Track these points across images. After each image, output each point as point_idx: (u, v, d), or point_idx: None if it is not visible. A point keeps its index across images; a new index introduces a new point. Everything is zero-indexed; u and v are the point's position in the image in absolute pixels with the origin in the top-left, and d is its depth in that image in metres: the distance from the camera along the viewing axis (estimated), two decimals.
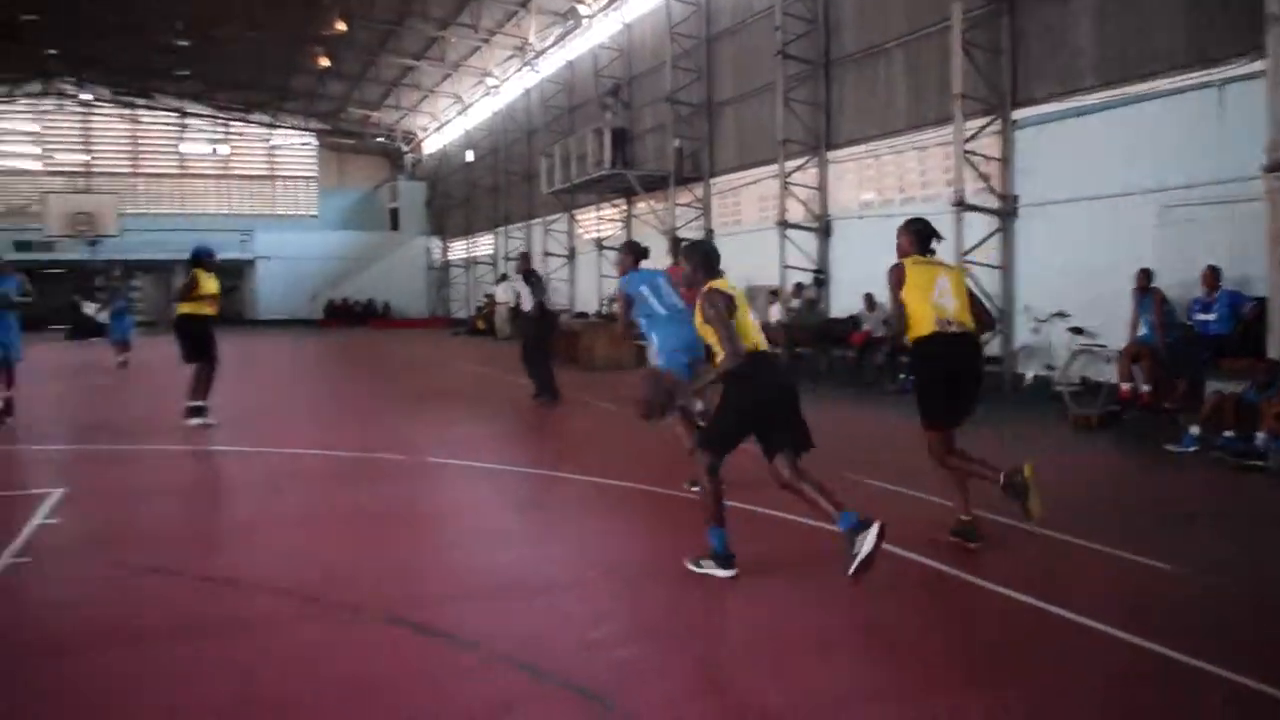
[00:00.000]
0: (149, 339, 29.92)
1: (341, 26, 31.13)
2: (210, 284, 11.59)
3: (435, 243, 47.89)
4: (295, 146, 51.42)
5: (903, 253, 6.20)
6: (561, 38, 30.36)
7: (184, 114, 48.91)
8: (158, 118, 49.20)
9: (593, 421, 12.23)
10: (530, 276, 14.24)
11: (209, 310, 11.59)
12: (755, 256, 19.89)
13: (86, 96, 47.51)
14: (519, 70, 33.55)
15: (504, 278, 30.98)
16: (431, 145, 46.99)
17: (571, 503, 6.76)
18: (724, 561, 5.32)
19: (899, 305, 5.98)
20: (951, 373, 5.98)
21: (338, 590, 5.26)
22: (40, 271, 42.97)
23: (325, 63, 36.17)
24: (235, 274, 44.07)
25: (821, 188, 18.78)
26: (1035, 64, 14.11)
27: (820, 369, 16.85)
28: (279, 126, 49.97)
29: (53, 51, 40.88)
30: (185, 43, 36.46)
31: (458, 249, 45.15)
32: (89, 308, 33.98)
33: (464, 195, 42.79)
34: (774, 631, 4.76)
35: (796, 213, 18.91)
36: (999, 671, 4.25)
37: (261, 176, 51.44)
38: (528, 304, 14.06)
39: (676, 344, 7.32)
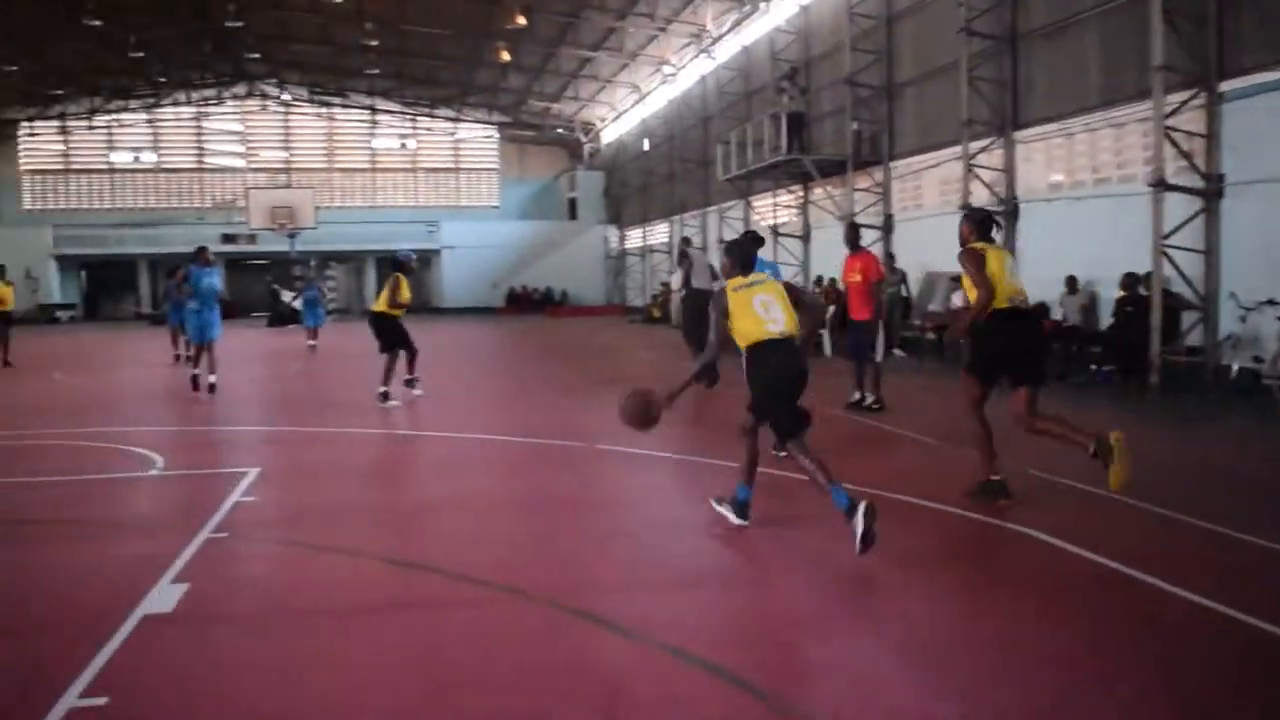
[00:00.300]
0: (340, 325, 31.41)
1: (522, 21, 31.76)
2: (407, 287, 12.98)
3: (612, 231, 48.47)
4: (478, 139, 52.86)
5: (965, 240, 6.81)
6: (738, 23, 30.14)
7: (374, 111, 50.95)
8: (350, 115, 51.42)
9: None
10: (681, 258, 14.45)
11: (400, 312, 12.94)
12: (936, 242, 19.28)
13: (286, 97, 50.11)
14: (695, 57, 33.49)
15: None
16: (609, 135, 47.52)
17: (757, 498, 6.62)
18: (740, 510, 6.15)
19: (987, 283, 6.47)
20: (1020, 348, 6.58)
21: (510, 575, 5.33)
22: (243, 262, 45.89)
23: (506, 57, 37.02)
24: (426, 262, 45.70)
25: (1008, 169, 18.03)
26: (1245, 31, 13.11)
27: None
28: (463, 120, 51.45)
29: (255, 56, 43.27)
30: (375, 42, 37.95)
31: (634, 237, 45.56)
32: (287, 296, 35.88)
33: (640, 184, 43.12)
34: (952, 637, 4.55)
35: (980, 196, 18.21)
36: (1211, 696, 3.94)
37: (446, 169, 53.11)
38: (677, 284, 14.29)
39: None
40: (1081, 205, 16.20)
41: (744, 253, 6.29)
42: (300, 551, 5.98)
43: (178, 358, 18.64)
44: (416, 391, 13.21)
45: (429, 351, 15.12)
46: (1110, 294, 14.59)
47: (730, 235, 31.38)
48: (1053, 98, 16.87)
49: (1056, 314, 15.70)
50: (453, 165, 53.14)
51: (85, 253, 46.09)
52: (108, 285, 48.13)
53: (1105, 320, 14.76)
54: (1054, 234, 16.78)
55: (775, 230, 28.11)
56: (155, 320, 34.14)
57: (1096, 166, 16.24)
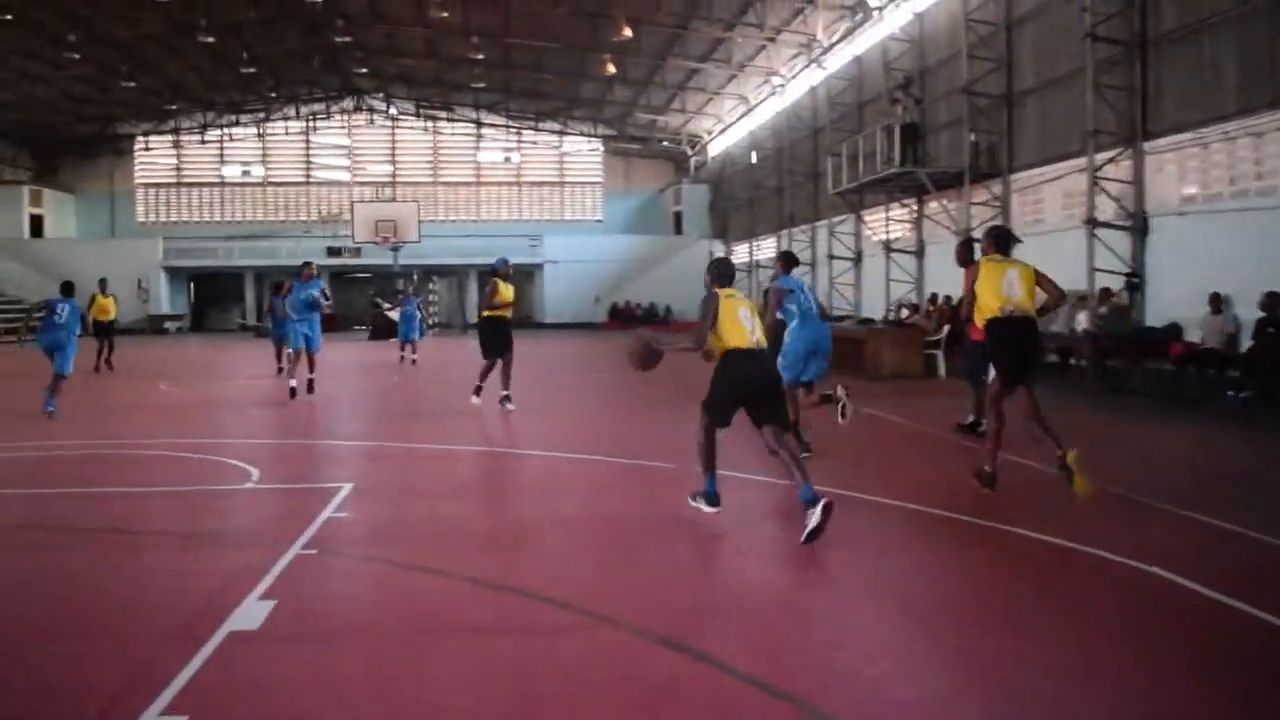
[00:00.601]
0: (438, 340, 31.84)
1: (628, 33, 31.94)
2: (507, 292, 13.69)
3: (718, 246, 48.36)
4: (583, 152, 53.42)
5: (984, 252, 8.10)
6: (850, 32, 29.83)
7: (480, 124, 51.86)
8: (456, 129, 52.43)
9: (874, 434, 11.83)
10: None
11: (505, 314, 13.62)
12: (1059, 258, 18.68)
13: (392, 111, 51.34)
14: (805, 67, 33.27)
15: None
16: (716, 147, 47.53)
17: (845, 522, 6.50)
18: (711, 500, 6.96)
19: (970, 294, 7.92)
20: (1014, 347, 7.75)
21: (597, 600, 5.29)
22: (347, 276, 47.08)
23: (612, 69, 37.29)
24: (528, 276, 46.24)
25: (1136, 182, 17.44)
26: None
27: (1133, 384, 15.56)
28: (568, 133, 52.04)
29: (363, 70, 44.46)
30: (480, 56, 38.61)
31: (740, 252, 45.39)
32: (387, 309, 36.63)
33: (747, 197, 42.99)
34: (1066, 681, 4.33)
35: (1107, 210, 17.67)
36: None
37: (551, 183, 53.78)
38: None
39: (805, 339, 9.74)
40: (1218, 219, 15.58)
41: (722, 271, 7.35)
42: (389, 570, 6.02)
43: (280, 370, 19.24)
44: (509, 406, 13.49)
45: (527, 365, 15.26)
46: (1249, 314, 13.96)
47: (841, 250, 31.15)
48: (1185, 105, 16.28)
49: (1192, 335, 15.06)
50: (557, 179, 53.79)
51: (194, 265, 47.99)
52: (215, 297, 49.94)
53: (1244, 342, 14.13)
54: (1187, 250, 16.16)
55: (887, 246, 27.72)
56: (260, 332, 35.25)
57: (1234, 178, 15.61)
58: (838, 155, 27.36)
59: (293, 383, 14.98)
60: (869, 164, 24.89)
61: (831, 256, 31.43)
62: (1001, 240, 8.09)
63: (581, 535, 6.99)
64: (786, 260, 10.67)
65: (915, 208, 26.64)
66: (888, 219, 28.49)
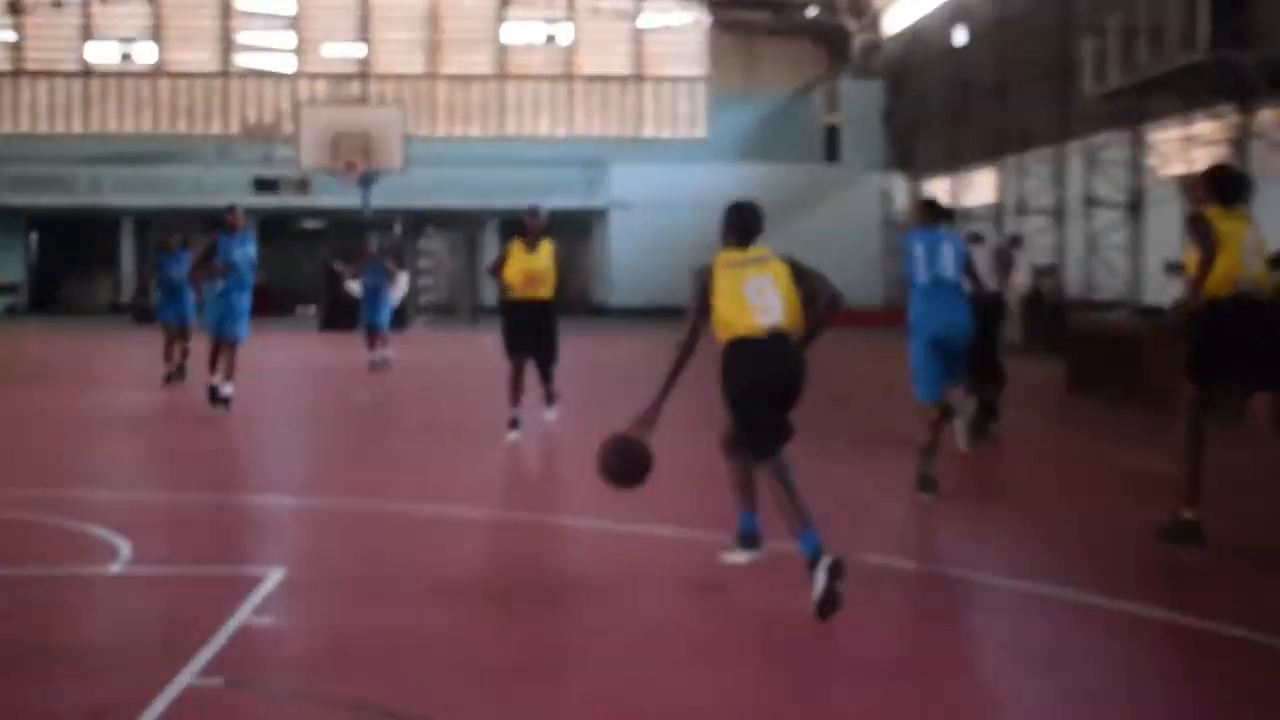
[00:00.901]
0: (434, 332, 32.04)
1: None
2: (529, 260, 14.27)
3: (898, 182, 48.07)
4: (673, 30, 53.42)
5: (1198, 203, 8.64)
6: None
7: None
8: None
9: (1120, 499, 11.61)
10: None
11: (520, 293, 14.20)
12: None
13: None
14: None
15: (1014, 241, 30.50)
16: (896, 20, 47.35)
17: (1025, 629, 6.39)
18: (747, 543, 7.96)
19: (1205, 263, 8.27)
20: (1237, 341, 8.32)
21: None
22: (288, 228, 47.37)
23: None
24: (581, 229, 46.27)
25: None
26: None
27: None
28: None
29: None
30: None
31: (938, 193, 45.04)
32: (351, 282, 36.76)
33: (949, 104, 42.66)
34: None
35: None
36: None
37: (620, 77, 53.95)
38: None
39: (925, 319, 10.67)
40: None
41: (744, 219, 8.05)
42: (330, 714, 6.01)
43: (170, 375, 19.33)
44: (550, 416, 14.97)
45: (570, 378, 15.33)
46: None
47: (1107, 192, 30.82)
48: None
49: None
50: (632, 71, 53.90)
51: (38, 203, 48.57)
52: (72, 258, 50.86)
53: None
54: None
55: (1185, 182, 27.33)
56: (141, 314, 35.63)
57: None
58: (1100, 34, 27.04)
59: (213, 380, 15.76)
60: (1154, 48, 24.57)
61: (1090, 201, 31.05)
62: (1225, 186, 8.66)
63: (630, 658, 6.99)
64: (925, 210, 11.70)
65: (1235, 119, 26.21)
66: (1185, 138, 28.13)
